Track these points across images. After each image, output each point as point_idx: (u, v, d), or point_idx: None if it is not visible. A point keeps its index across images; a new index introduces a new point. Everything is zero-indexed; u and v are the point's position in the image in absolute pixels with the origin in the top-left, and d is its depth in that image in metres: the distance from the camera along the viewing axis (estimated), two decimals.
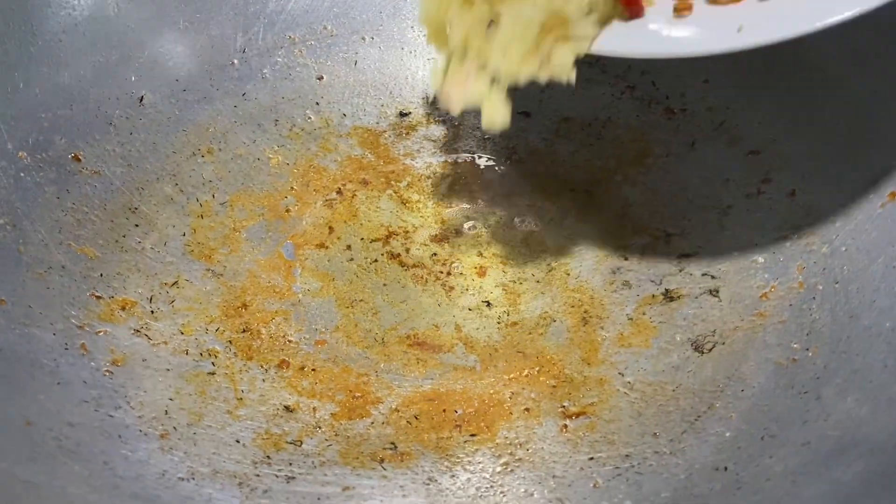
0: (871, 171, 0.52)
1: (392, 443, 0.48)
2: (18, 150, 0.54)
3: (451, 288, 0.56)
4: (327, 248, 0.58)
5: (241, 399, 0.49)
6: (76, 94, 0.58)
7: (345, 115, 0.64)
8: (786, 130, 0.57)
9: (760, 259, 0.54)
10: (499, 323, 0.54)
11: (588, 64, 0.64)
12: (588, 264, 0.56)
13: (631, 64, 0.63)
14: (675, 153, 0.61)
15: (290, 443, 0.48)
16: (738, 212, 0.57)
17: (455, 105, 0.48)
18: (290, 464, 0.46)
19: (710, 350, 0.51)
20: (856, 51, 0.54)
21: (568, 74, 0.46)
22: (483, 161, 0.63)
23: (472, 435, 0.48)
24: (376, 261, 0.57)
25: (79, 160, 0.57)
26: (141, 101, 0.60)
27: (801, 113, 0.56)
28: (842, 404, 0.43)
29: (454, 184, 0.62)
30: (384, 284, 0.56)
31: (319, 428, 0.49)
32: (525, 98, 0.64)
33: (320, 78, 0.65)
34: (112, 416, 0.47)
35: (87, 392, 0.47)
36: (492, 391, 0.51)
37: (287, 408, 0.49)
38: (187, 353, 0.51)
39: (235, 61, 0.64)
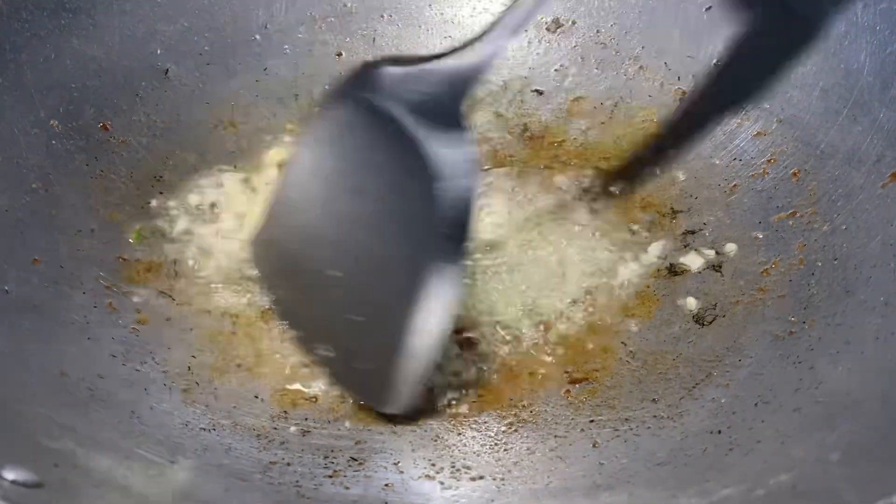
0: (874, 152, 0.53)
1: None
2: (50, 118, 0.57)
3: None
4: None
5: (261, 358, 0.52)
6: (104, 66, 0.60)
7: None
8: (792, 113, 0.59)
9: (763, 236, 0.56)
10: (507, 294, 0.56)
11: (602, 45, 0.66)
12: (595, 238, 0.58)
13: (644, 45, 0.65)
14: (683, 133, 0.62)
15: (307, 399, 0.50)
16: (743, 191, 0.58)
17: None
18: (306, 419, 0.49)
19: (711, 322, 0.53)
20: (858, 25, 0.55)
21: None
22: (495, 138, 0.65)
23: (479, 396, 0.50)
24: None
25: (107, 129, 0.59)
26: (166, 73, 0.62)
27: (808, 97, 0.58)
28: (833, 373, 0.45)
29: None
30: None
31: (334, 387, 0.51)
32: (539, 76, 0.66)
33: (339, 54, 0.67)
34: (139, 370, 0.49)
35: (116, 347, 0.50)
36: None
37: (305, 366, 0.52)
38: (210, 314, 0.54)
39: (258, 37, 0.65)
